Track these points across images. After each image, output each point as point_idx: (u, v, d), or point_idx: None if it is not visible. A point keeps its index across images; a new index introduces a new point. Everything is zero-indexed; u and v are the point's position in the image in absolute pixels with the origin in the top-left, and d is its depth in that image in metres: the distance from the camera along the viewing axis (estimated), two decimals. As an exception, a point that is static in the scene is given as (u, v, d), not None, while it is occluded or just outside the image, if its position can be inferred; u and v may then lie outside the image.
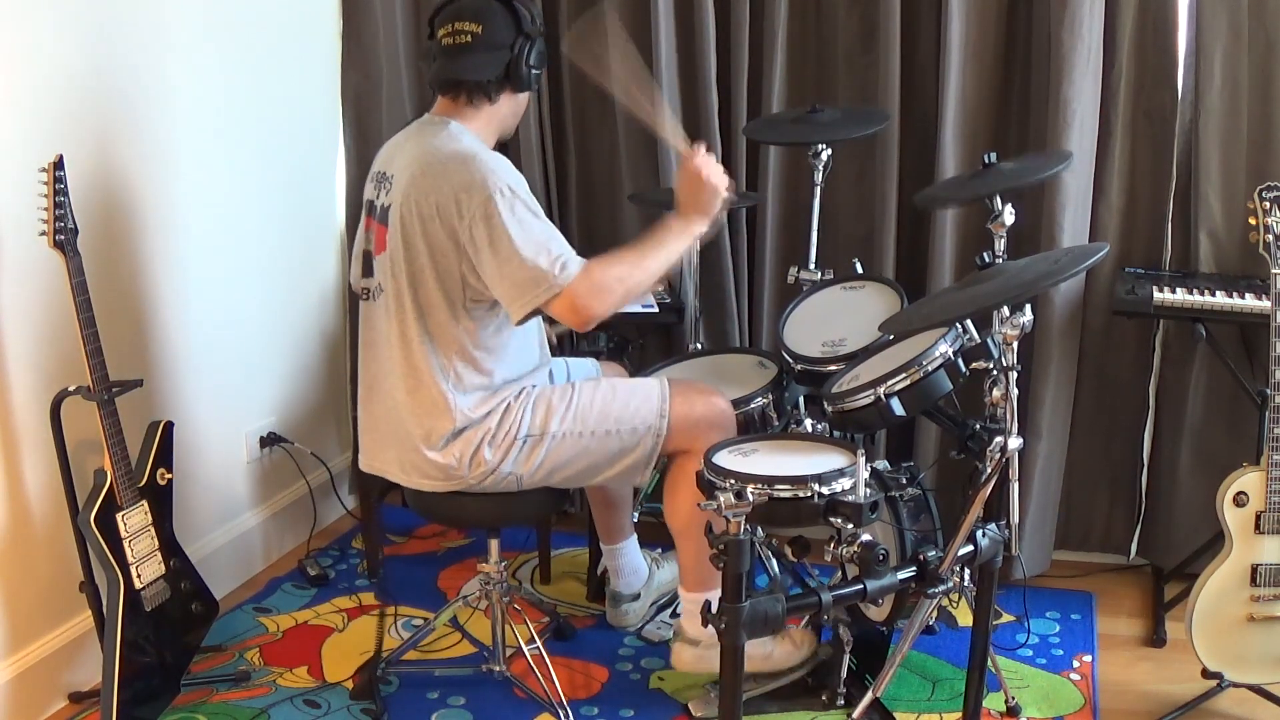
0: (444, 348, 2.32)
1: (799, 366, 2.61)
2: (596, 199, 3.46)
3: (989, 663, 2.36)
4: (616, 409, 2.40)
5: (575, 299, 2.20)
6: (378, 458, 2.46)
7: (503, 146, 3.29)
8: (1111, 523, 3.21)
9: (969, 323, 2.32)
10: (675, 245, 2.35)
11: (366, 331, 2.45)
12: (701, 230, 2.38)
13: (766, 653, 2.53)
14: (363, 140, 3.42)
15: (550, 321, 2.61)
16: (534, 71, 2.36)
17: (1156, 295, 2.74)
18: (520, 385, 2.41)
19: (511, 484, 2.37)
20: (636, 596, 2.91)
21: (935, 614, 2.51)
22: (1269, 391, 2.33)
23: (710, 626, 2.47)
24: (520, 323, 2.27)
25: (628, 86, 2.47)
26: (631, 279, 2.27)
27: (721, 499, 1.90)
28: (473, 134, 2.36)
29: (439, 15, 2.37)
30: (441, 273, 2.28)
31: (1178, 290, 2.75)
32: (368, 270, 2.43)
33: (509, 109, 2.41)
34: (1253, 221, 2.36)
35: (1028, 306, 2.08)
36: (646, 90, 2.47)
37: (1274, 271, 2.32)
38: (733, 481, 2.03)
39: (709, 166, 2.34)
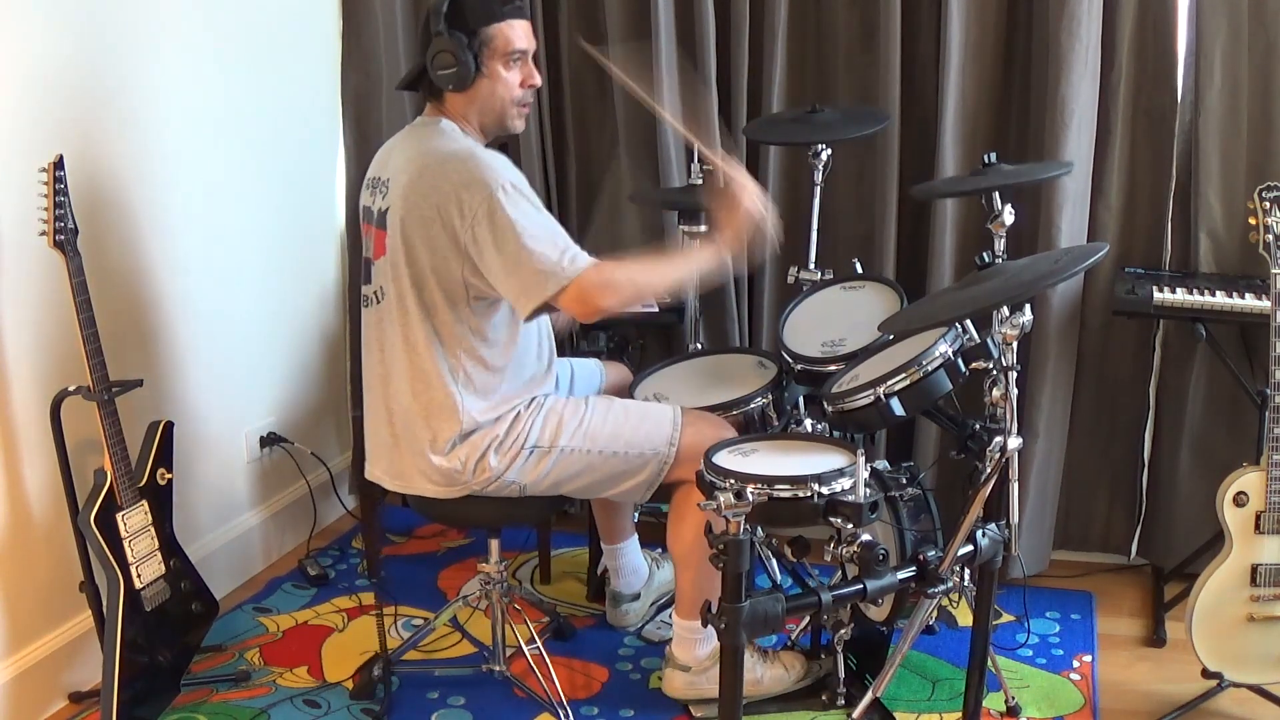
0: (451, 348, 2.31)
1: (799, 366, 2.61)
2: (596, 199, 3.46)
3: (989, 663, 2.36)
4: (628, 432, 2.39)
5: (584, 290, 2.19)
6: (377, 465, 2.46)
7: (502, 146, 3.33)
8: (1111, 523, 3.21)
9: (969, 323, 2.32)
10: (695, 263, 2.37)
11: (368, 337, 2.44)
12: (728, 255, 2.37)
13: (756, 678, 2.53)
14: (363, 140, 3.43)
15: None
16: (440, 71, 2.28)
17: (1156, 295, 2.74)
18: (531, 393, 2.41)
19: (514, 491, 2.37)
20: (637, 596, 2.91)
21: (935, 614, 2.51)
22: (1269, 391, 2.33)
23: (701, 653, 2.48)
24: (529, 318, 2.27)
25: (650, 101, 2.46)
26: (643, 280, 2.28)
27: (721, 499, 1.90)
28: (463, 131, 2.36)
29: None
30: (442, 273, 2.27)
31: (1178, 290, 2.75)
32: (367, 276, 2.43)
33: (461, 105, 2.35)
34: (1253, 221, 2.36)
35: (1027, 306, 2.08)
36: (693, 107, 2.46)
37: (1274, 271, 2.32)
38: (732, 481, 2.03)
39: (753, 199, 2.32)
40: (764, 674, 2.54)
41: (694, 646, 2.50)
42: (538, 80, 2.42)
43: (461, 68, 2.28)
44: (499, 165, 2.26)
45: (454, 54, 2.27)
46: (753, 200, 2.32)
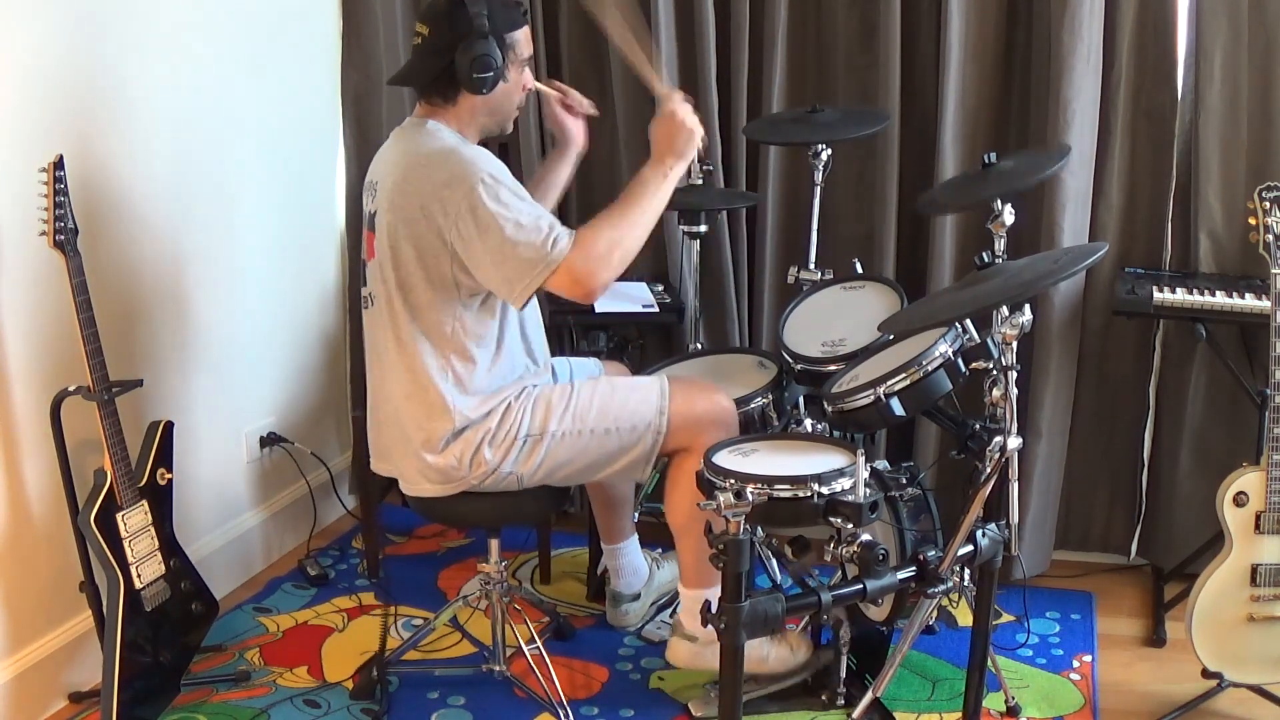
0: (440, 348, 2.32)
1: (799, 366, 2.62)
2: (596, 199, 3.45)
3: (989, 663, 2.36)
4: (616, 407, 2.40)
5: (574, 270, 2.20)
6: (388, 461, 2.46)
7: (503, 146, 3.33)
8: (1111, 523, 3.21)
9: (969, 323, 2.32)
10: (657, 194, 2.34)
11: (367, 340, 2.46)
12: (679, 173, 2.37)
13: (763, 655, 2.53)
14: (363, 140, 3.43)
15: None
16: (476, 75, 2.28)
17: (1156, 295, 2.74)
18: (521, 385, 2.41)
19: (512, 483, 2.38)
20: (637, 596, 2.91)
21: (935, 614, 2.51)
22: (1269, 391, 2.33)
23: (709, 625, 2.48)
24: (523, 306, 2.28)
25: (623, 25, 2.44)
26: (625, 241, 2.27)
27: (721, 499, 1.90)
28: (451, 130, 2.35)
29: None
30: (431, 273, 2.28)
31: (1178, 290, 2.75)
32: (363, 278, 2.44)
33: (475, 108, 2.35)
34: (1253, 221, 2.36)
35: (1027, 306, 2.08)
36: (642, 36, 2.44)
37: (1274, 271, 2.32)
38: (732, 481, 2.03)
39: (685, 110, 2.35)
40: (770, 652, 2.53)
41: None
42: (533, 84, 2.46)
43: (495, 72, 2.30)
44: (479, 159, 2.26)
45: (492, 57, 2.28)
46: (687, 113, 2.34)
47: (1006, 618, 2.93)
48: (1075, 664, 2.75)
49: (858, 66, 3.14)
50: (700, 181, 3.01)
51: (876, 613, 2.49)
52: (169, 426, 2.53)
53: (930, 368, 2.28)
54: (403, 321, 2.32)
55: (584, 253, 2.22)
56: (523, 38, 2.37)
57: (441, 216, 2.22)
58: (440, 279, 2.28)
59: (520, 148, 3.33)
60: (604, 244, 2.24)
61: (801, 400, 2.66)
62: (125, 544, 2.40)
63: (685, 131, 2.34)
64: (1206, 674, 2.43)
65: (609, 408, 2.39)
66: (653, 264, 3.32)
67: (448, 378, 2.32)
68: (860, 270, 2.82)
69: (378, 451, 2.49)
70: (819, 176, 2.87)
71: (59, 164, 2.29)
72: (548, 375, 2.53)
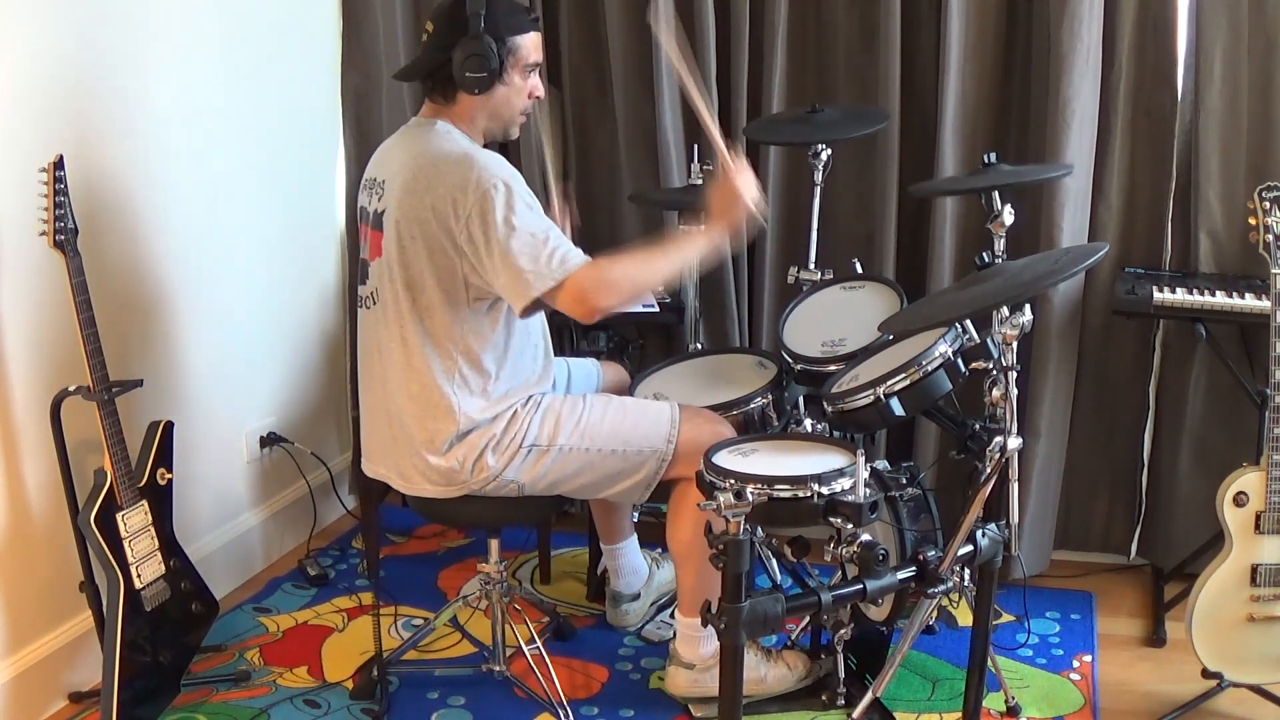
0: (446, 349, 2.31)
1: (799, 366, 2.62)
2: (596, 199, 3.46)
3: (989, 663, 2.36)
4: (625, 429, 2.39)
5: (580, 289, 2.19)
6: (380, 463, 2.46)
7: (503, 146, 3.33)
8: (1111, 523, 3.21)
9: (968, 323, 2.33)
10: (691, 250, 2.35)
11: (365, 338, 2.45)
12: (723, 241, 2.36)
13: (760, 676, 2.53)
14: (363, 140, 3.43)
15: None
16: (469, 75, 2.27)
17: (1156, 295, 2.74)
18: (528, 392, 2.41)
19: (513, 491, 2.37)
20: (636, 596, 2.91)
21: (935, 614, 2.51)
22: (1269, 391, 2.33)
23: (705, 651, 2.48)
24: (525, 314, 2.27)
25: (688, 78, 2.40)
26: (640, 277, 2.27)
27: (721, 499, 1.90)
28: (461, 132, 2.36)
29: None
30: (441, 274, 2.27)
31: (1178, 290, 2.75)
32: (364, 277, 2.43)
33: (474, 108, 2.35)
34: (1253, 221, 2.36)
35: (1027, 306, 2.08)
36: (701, 88, 2.40)
37: (1274, 271, 2.32)
38: (732, 481, 2.03)
39: (745, 180, 2.31)
40: (767, 673, 2.54)
41: (697, 644, 2.50)
42: (542, 92, 2.44)
43: (490, 74, 2.29)
44: (494, 164, 2.26)
45: (486, 58, 2.27)
46: (750, 189, 2.32)
47: (1006, 618, 2.93)
48: (1075, 664, 2.75)
49: (858, 66, 3.14)
50: (700, 181, 3.01)
51: (876, 613, 2.49)
52: (169, 426, 2.53)
53: (930, 368, 2.29)
54: (409, 322, 2.31)
55: (595, 273, 2.21)
56: (528, 43, 2.35)
57: (453, 219, 2.22)
58: (450, 280, 2.27)
59: (521, 148, 3.33)
60: (618, 273, 2.24)
61: (801, 400, 2.66)
62: (125, 544, 2.40)
63: (740, 202, 2.30)
64: (1206, 674, 2.43)
65: (619, 429, 2.39)
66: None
67: (453, 380, 2.32)
68: (860, 270, 2.82)
69: (370, 453, 2.48)
70: (819, 176, 2.87)
71: (59, 164, 2.29)
72: (551, 380, 2.53)
